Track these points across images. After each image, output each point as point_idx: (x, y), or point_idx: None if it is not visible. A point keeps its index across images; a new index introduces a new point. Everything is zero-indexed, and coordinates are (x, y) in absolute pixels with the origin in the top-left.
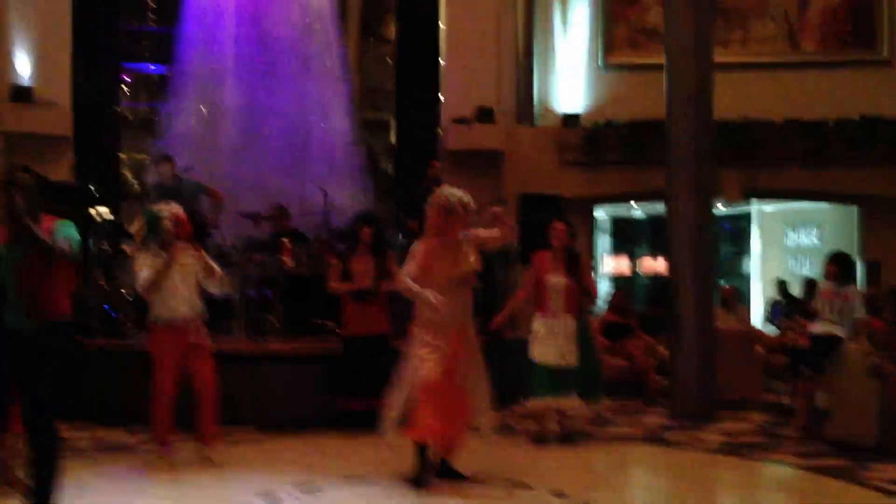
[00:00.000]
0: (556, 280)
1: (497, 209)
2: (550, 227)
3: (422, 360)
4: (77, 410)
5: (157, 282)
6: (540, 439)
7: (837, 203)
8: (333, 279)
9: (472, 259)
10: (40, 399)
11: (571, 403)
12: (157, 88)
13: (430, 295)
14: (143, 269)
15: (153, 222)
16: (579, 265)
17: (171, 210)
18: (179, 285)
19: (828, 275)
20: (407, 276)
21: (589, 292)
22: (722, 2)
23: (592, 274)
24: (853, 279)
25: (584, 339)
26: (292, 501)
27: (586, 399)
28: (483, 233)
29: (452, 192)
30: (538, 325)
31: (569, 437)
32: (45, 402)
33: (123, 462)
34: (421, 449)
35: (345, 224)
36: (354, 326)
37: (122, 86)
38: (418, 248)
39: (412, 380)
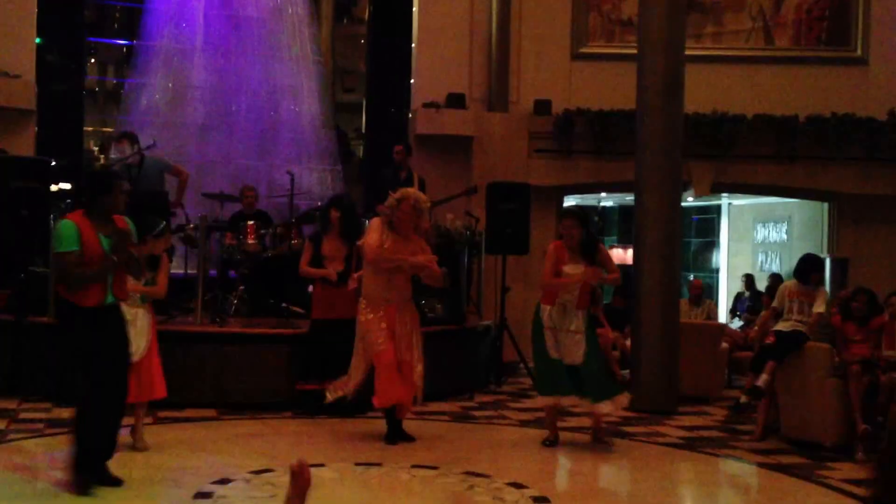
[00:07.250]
0: (575, 271)
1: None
2: (561, 224)
3: (370, 335)
4: (34, 387)
5: None
6: (550, 442)
7: (807, 199)
8: (304, 263)
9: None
10: None
11: (571, 402)
12: (124, 63)
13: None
14: None
15: None
16: (598, 252)
17: None
18: None
19: (802, 276)
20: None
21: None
22: None
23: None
24: (823, 280)
25: (591, 337)
26: (245, 486)
27: (600, 399)
28: None
29: (421, 195)
30: (547, 317)
31: (600, 439)
32: None
33: None
34: (388, 413)
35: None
36: (322, 311)
37: (89, 59)
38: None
39: (367, 354)
